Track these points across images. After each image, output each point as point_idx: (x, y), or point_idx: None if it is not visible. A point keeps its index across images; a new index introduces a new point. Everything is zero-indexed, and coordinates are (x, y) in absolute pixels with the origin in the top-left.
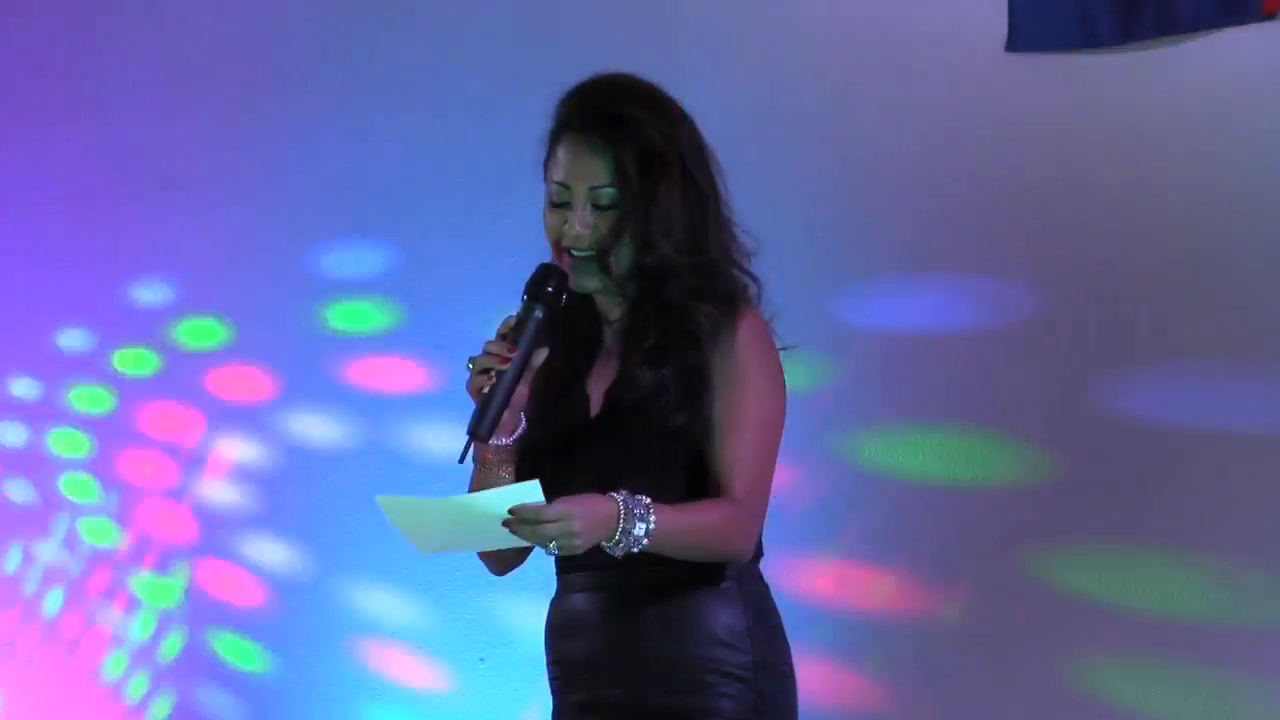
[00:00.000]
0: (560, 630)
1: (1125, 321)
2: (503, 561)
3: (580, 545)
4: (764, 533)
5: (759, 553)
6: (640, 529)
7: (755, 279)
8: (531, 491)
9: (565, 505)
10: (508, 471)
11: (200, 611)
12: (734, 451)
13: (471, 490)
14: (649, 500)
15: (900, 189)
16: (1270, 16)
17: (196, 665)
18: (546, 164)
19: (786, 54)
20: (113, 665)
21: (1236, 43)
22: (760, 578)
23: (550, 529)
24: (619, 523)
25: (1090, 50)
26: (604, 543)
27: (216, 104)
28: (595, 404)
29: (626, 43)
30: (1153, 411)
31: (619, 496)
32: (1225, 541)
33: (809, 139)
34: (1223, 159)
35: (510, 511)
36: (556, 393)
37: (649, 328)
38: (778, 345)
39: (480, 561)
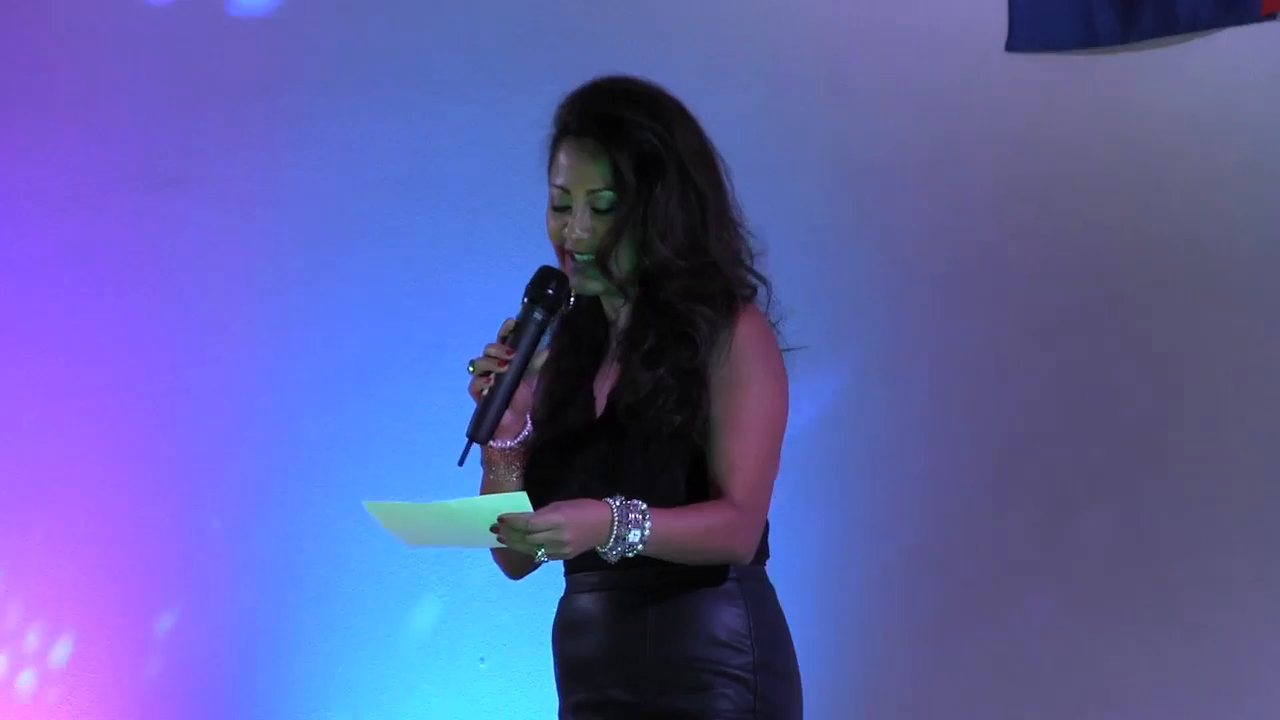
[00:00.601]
0: (566, 629)
1: (1125, 321)
2: (515, 566)
3: (569, 553)
4: (767, 533)
5: (764, 554)
6: (635, 535)
7: (764, 280)
8: (519, 503)
9: (555, 514)
10: (516, 474)
11: (199, 611)
12: (733, 453)
13: (482, 493)
14: (645, 506)
15: (900, 189)
16: (1270, 16)
17: (193, 664)
18: (549, 168)
19: (786, 54)
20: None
21: (1236, 43)
22: (764, 579)
23: (539, 537)
24: (612, 529)
25: (1090, 50)
26: (599, 548)
27: (216, 104)
28: (600, 405)
29: (627, 44)
30: (1152, 411)
31: (613, 503)
32: (1224, 541)
33: (809, 139)
34: (1223, 159)
35: (500, 519)
36: (563, 394)
37: (648, 329)
38: (782, 346)
39: (490, 564)
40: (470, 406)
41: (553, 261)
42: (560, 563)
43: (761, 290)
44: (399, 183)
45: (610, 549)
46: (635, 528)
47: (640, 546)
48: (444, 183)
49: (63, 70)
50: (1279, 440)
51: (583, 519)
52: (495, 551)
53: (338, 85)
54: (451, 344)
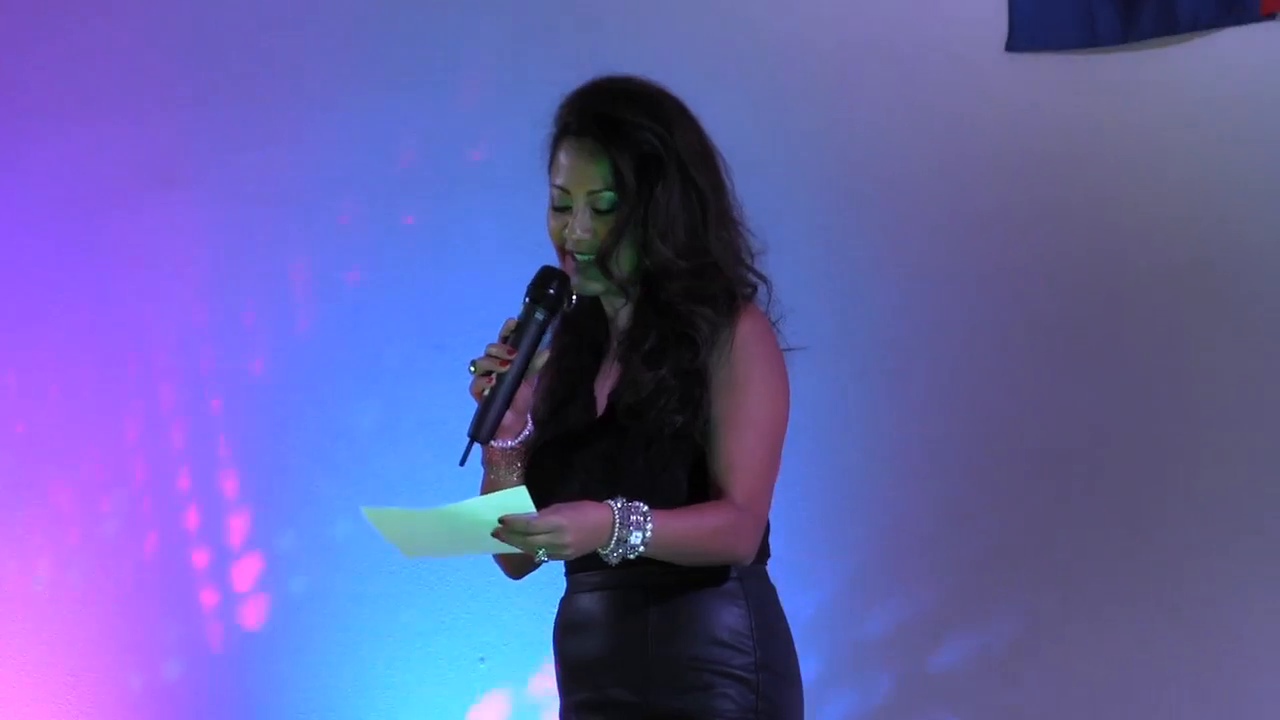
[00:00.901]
0: (567, 629)
1: (1125, 321)
2: (515, 566)
3: (570, 554)
4: (768, 533)
5: (766, 554)
6: (636, 537)
7: (765, 279)
8: (519, 497)
9: (556, 516)
10: (517, 474)
11: (199, 611)
12: (733, 454)
13: (483, 493)
14: (645, 507)
15: (900, 189)
16: (1270, 16)
17: (193, 665)
18: (549, 168)
19: (786, 54)
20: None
21: (1236, 43)
22: (766, 579)
23: (540, 539)
24: (613, 531)
25: (1090, 50)
26: (600, 550)
27: (216, 104)
28: (600, 405)
29: (628, 43)
30: (1152, 411)
31: (614, 505)
32: (1225, 541)
33: (808, 138)
34: (1222, 158)
35: (500, 520)
36: (564, 393)
37: (649, 330)
38: (783, 346)
39: (490, 563)
40: (471, 406)
41: (554, 261)
42: (561, 562)
43: (762, 289)
44: (399, 182)
45: (611, 551)
46: (637, 529)
47: (642, 548)
48: (444, 182)
49: (62, 70)
50: (1277, 439)
51: (583, 521)
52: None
53: (337, 85)
54: (451, 344)
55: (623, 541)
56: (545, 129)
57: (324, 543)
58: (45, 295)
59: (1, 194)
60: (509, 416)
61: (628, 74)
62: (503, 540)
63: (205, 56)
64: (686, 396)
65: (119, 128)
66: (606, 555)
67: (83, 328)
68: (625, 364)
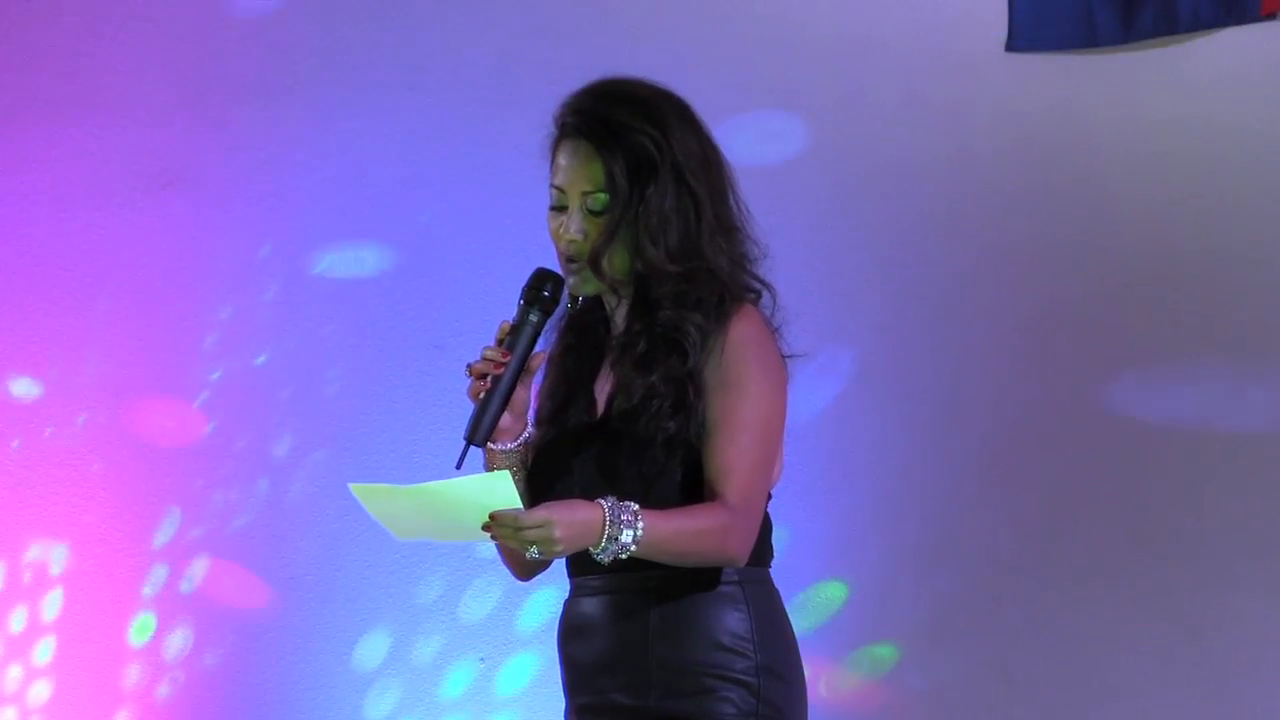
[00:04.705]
0: (570, 632)
1: (1125, 321)
2: (525, 567)
3: (560, 551)
4: (770, 534)
5: (769, 555)
6: (627, 535)
7: (768, 286)
8: (501, 481)
9: (546, 512)
10: (519, 475)
11: (201, 610)
12: (727, 455)
13: None
14: (636, 506)
15: (900, 189)
16: (1270, 16)
17: (193, 666)
18: (550, 168)
19: (786, 54)
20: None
21: (1236, 43)
22: (769, 581)
23: (529, 534)
24: (604, 529)
25: (1090, 50)
26: (591, 549)
27: (215, 104)
28: (600, 407)
29: (627, 44)
30: (1152, 412)
31: (605, 503)
32: (1225, 541)
33: (809, 139)
34: (1222, 159)
35: (491, 516)
36: (566, 394)
37: (640, 335)
38: (784, 350)
39: (491, 563)
40: (470, 408)
41: (553, 262)
42: (563, 564)
43: (766, 295)
44: (399, 183)
45: (603, 550)
46: (627, 528)
47: (633, 547)
48: (444, 183)
49: (62, 71)
50: (1278, 440)
51: (573, 517)
52: (502, 552)
53: (336, 85)
54: (451, 344)
55: (614, 539)
56: (545, 129)
57: (323, 543)
58: (45, 295)
59: (2, 194)
60: (507, 419)
61: (631, 75)
62: (493, 535)
63: (205, 56)
64: (678, 403)
65: (119, 128)
66: (598, 554)
67: (82, 328)
68: (618, 368)
